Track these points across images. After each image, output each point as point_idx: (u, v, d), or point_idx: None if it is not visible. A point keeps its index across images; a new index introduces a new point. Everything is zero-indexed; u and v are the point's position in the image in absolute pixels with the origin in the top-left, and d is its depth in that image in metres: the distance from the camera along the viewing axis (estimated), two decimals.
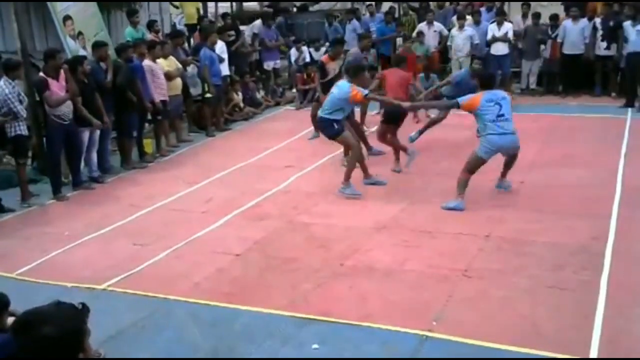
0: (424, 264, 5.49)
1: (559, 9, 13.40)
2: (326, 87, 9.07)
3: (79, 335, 2.00)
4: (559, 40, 12.34)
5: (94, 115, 8.22)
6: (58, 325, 1.94)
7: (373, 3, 15.79)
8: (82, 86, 8.00)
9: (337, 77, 9.04)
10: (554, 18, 12.75)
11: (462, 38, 12.59)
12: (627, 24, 11.32)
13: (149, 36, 11.05)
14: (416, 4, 15.46)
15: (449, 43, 12.88)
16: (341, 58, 9.45)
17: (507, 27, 12.62)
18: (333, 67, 9.31)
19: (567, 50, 12.30)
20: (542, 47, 12.78)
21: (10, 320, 3.56)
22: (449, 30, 13.33)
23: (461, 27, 12.61)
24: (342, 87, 7.37)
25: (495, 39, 12.52)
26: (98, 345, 4.05)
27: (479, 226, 6.26)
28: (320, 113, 7.62)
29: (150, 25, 11.50)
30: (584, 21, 12.21)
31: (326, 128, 7.57)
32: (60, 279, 5.53)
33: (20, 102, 7.45)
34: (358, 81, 7.45)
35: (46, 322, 1.95)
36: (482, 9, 13.85)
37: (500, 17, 12.75)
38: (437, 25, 13.35)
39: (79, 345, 2.00)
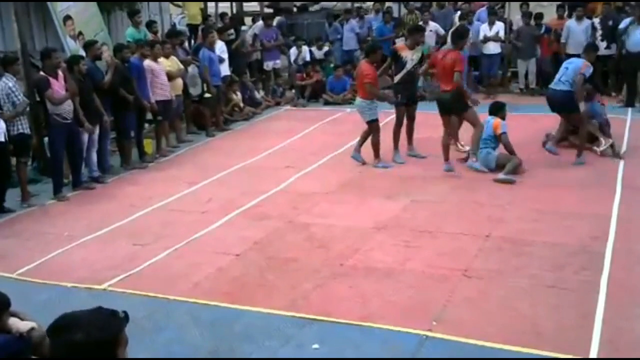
0: (424, 264, 5.49)
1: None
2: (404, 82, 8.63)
3: (110, 345, 1.99)
4: (562, 40, 12.34)
5: (93, 114, 8.22)
6: (88, 333, 1.94)
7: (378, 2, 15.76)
8: (80, 85, 8.00)
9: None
10: (539, 17, 12.81)
11: None
12: (627, 22, 11.30)
13: (149, 36, 11.04)
14: (417, 4, 15.45)
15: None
16: (418, 49, 8.57)
17: (499, 27, 12.64)
18: (411, 57, 8.49)
19: (571, 50, 12.27)
20: (538, 46, 12.83)
21: (11, 320, 3.56)
22: (448, 30, 13.33)
23: None
24: (578, 62, 8.06)
25: (486, 39, 12.55)
26: None
27: (479, 226, 6.26)
28: (555, 87, 8.04)
29: (149, 25, 11.50)
30: (587, 21, 12.21)
31: (572, 102, 7.97)
32: (60, 279, 5.53)
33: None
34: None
35: (78, 327, 1.94)
36: (483, 9, 13.85)
37: (492, 16, 12.78)
38: (433, 25, 13.33)
39: (109, 355, 1.99)
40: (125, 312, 2.07)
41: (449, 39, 8.43)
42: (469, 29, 8.08)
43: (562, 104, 8.12)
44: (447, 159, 7.97)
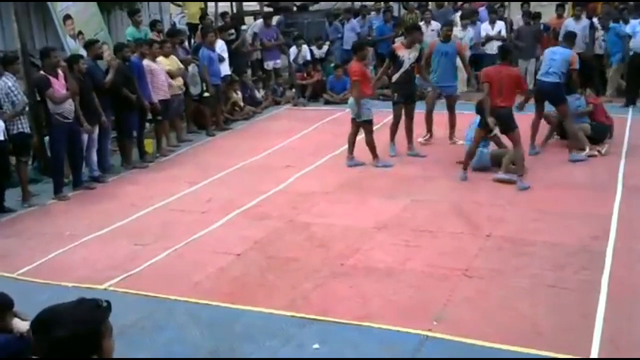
0: (425, 263, 5.49)
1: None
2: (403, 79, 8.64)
3: (93, 337, 1.98)
4: (559, 39, 12.31)
5: (92, 114, 8.22)
6: (70, 328, 1.93)
7: (382, 2, 15.75)
8: (80, 84, 8.00)
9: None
10: (537, 16, 12.79)
11: (466, 38, 12.59)
12: (635, 24, 11.23)
13: (152, 35, 11.05)
14: (415, 4, 15.44)
15: None
16: (416, 48, 8.62)
17: (500, 26, 12.62)
18: (408, 57, 8.58)
19: None
20: (538, 45, 12.81)
21: (15, 321, 3.57)
22: None
23: (464, 27, 12.59)
24: (564, 54, 8.23)
25: (489, 38, 12.53)
26: None
27: (479, 226, 6.26)
28: (544, 78, 8.17)
29: (154, 25, 11.54)
30: (585, 20, 12.20)
31: (560, 93, 8.16)
32: (61, 279, 5.53)
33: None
34: None
35: (60, 323, 1.93)
36: (482, 9, 13.84)
37: (493, 15, 12.75)
38: (435, 24, 13.29)
39: (93, 347, 1.99)
40: (107, 301, 2.06)
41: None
42: (510, 51, 8.19)
43: (550, 94, 8.28)
44: (466, 167, 7.80)
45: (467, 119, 8.59)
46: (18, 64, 7.78)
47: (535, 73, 12.79)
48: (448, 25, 9.59)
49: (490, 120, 7.39)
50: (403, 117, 8.82)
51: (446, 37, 9.19)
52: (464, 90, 12.44)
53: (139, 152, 9.41)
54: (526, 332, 4.35)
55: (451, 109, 9.29)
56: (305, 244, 6.06)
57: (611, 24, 11.68)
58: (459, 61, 9.64)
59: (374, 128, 8.56)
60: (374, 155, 8.44)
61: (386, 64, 9.00)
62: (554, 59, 8.21)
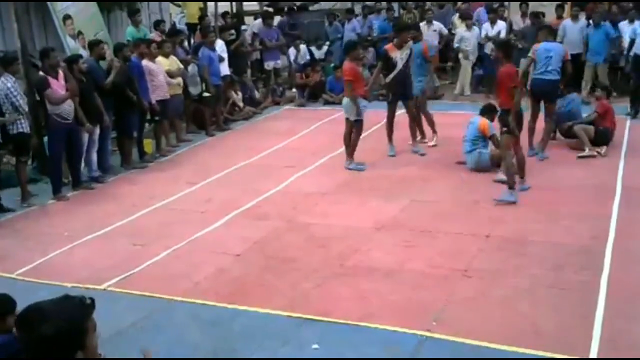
0: (424, 264, 5.49)
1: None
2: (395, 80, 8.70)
3: (77, 334, 1.98)
4: (558, 39, 12.29)
5: (93, 114, 8.22)
6: (55, 325, 1.93)
7: (383, 2, 15.74)
8: (80, 85, 7.99)
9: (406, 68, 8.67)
10: (537, 16, 12.78)
11: (473, 37, 12.58)
12: (637, 24, 11.18)
13: (151, 35, 11.03)
14: (412, 4, 15.42)
15: (456, 44, 12.77)
16: (407, 47, 8.68)
17: (501, 26, 12.61)
18: (400, 57, 8.65)
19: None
20: None
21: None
22: (449, 30, 13.30)
23: (469, 27, 12.59)
24: (557, 49, 8.25)
25: (488, 38, 12.53)
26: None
27: (479, 226, 6.26)
28: (544, 77, 8.12)
29: (157, 25, 11.53)
30: (583, 21, 12.18)
31: (557, 91, 8.31)
32: (60, 279, 5.53)
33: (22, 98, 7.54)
34: None
35: (45, 320, 1.93)
36: (481, 9, 13.83)
37: (493, 14, 12.74)
38: (437, 25, 13.28)
39: (77, 344, 1.99)
40: (91, 298, 2.06)
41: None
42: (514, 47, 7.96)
43: (549, 92, 8.29)
44: (522, 175, 7.29)
45: (467, 118, 8.58)
46: (17, 65, 7.78)
47: None
48: (415, 29, 9.59)
49: (514, 126, 7.08)
50: (405, 115, 8.90)
51: (413, 39, 9.14)
52: (468, 93, 12.50)
53: (139, 152, 9.41)
54: (526, 332, 4.35)
55: (421, 108, 9.27)
56: (305, 244, 6.06)
57: (602, 23, 11.64)
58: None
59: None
60: (350, 154, 8.45)
61: (380, 66, 9.12)
62: (550, 57, 8.16)
